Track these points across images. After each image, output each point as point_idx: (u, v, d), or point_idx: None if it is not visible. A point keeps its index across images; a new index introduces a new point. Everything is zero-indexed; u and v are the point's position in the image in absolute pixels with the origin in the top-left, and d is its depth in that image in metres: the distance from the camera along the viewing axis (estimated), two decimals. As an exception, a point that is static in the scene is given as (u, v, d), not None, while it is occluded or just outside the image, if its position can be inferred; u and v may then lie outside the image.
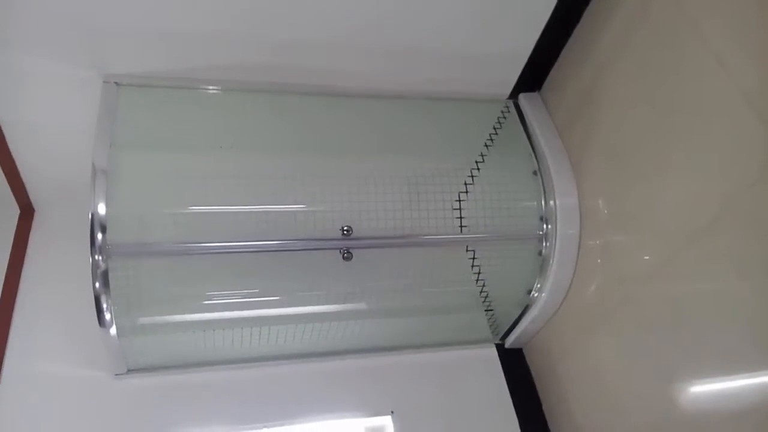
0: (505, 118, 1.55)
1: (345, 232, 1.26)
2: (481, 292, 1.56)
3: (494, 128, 1.55)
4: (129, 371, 1.38)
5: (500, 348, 1.66)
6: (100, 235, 1.16)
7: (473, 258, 1.46)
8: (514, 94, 1.56)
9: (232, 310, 1.37)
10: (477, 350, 1.64)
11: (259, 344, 1.41)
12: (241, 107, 1.39)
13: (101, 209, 1.16)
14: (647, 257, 1.20)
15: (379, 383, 1.51)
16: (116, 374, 1.38)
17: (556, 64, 1.50)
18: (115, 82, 1.29)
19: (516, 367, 1.64)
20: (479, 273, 1.51)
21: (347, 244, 1.27)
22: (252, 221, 1.29)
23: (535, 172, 1.43)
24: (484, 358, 1.63)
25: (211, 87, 1.36)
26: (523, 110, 1.53)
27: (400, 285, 1.42)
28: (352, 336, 1.48)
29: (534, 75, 1.52)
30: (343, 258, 1.27)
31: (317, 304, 1.42)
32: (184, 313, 1.34)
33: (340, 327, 1.43)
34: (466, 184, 1.42)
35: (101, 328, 1.21)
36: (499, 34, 1.37)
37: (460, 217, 1.38)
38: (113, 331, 1.24)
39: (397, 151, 1.46)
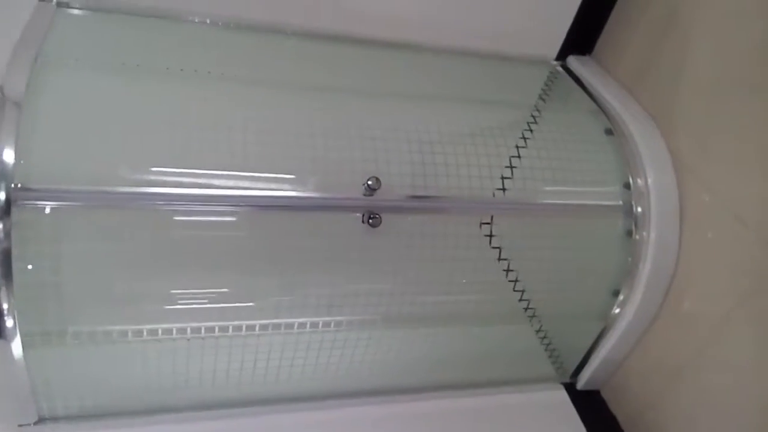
0: (553, 81, 1.27)
1: (368, 187, 0.88)
2: (526, 303, 1.15)
3: (543, 90, 1.26)
4: (41, 420, 0.92)
5: (570, 389, 1.22)
6: (2, 194, 0.78)
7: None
8: (561, 57, 1.30)
9: (198, 320, 0.94)
10: (538, 393, 1.20)
11: (240, 376, 0.97)
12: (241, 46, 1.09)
13: (7, 156, 0.79)
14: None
15: (412, 439, 1.05)
16: (20, 425, 0.91)
17: (609, 22, 1.28)
18: (57, 2, 0.98)
19: (596, 416, 1.19)
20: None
21: (370, 204, 0.89)
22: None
23: (608, 131, 1.10)
24: (549, 403, 1.19)
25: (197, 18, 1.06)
26: (576, 72, 1.26)
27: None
28: (373, 367, 1.05)
29: (583, 36, 1.29)
30: (369, 224, 0.88)
31: (317, 315, 0.98)
32: (124, 325, 0.91)
33: (352, 345, 1.00)
34: (517, 147, 1.07)
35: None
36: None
37: (503, 178, 1.02)
38: (17, 346, 0.82)
39: (440, 103, 1.15)
